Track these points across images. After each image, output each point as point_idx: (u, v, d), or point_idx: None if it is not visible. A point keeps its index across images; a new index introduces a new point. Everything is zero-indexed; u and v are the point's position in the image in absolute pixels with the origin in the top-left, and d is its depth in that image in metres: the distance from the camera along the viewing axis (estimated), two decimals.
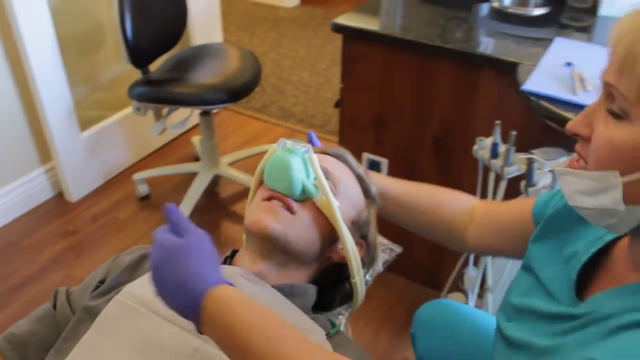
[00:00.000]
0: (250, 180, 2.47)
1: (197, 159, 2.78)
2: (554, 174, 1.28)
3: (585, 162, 0.69)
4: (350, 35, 1.83)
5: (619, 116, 0.63)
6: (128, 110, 2.67)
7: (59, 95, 2.33)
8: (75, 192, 2.51)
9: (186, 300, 0.68)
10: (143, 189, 2.55)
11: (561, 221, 0.87)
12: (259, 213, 0.89)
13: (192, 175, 2.54)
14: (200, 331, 0.70)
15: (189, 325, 0.81)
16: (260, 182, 0.96)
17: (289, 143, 0.93)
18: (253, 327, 0.66)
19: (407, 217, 1.10)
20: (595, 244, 0.79)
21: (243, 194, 2.61)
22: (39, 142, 2.41)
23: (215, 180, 2.63)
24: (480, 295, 1.76)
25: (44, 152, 2.45)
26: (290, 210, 0.89)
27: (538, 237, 0.90)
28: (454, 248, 1.12)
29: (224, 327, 0.67)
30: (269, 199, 0.90)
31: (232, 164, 2.64)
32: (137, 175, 2.54)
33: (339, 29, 1.83)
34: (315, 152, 0.94)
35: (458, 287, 1.87)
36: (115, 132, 2.64)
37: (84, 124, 2.50)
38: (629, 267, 0.73)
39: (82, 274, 2.12)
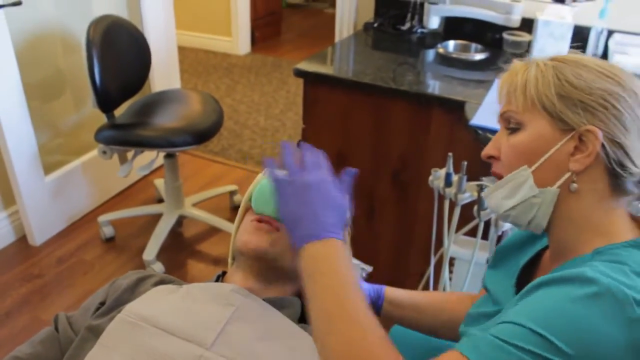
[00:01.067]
0: (213, 220, 2.57)
1: (159, 201, 2.84)
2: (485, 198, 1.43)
3: (502, 177, 0.88)
4: (311, 79, 1.98)
5: (516, 129, 0.85)
6: (91, 154, 2.72)
7: (23, 140, 2.37)
8: (39, 236, 2.52)
9: (315, 228, 0.83)
10: (108, 231, 2.58)
11: (509, 249, 1.06)
12: (249, 235, 0.99)
13: (156, 217, 2.60)
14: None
15: (191, 336, 0.90)
16: (248, 208, 1.07)
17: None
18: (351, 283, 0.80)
19: (423, 317, 1.20)
20: (531, 254, 0.98)
21: (207, 233, 2.67)
22: (1, 187, 2.43)
23: (180, 221, 2.70)
24: None
25: (7, 196, 2.46)
26: (277, 231, 1.00)
27: (493, 265, 1.08)
28: None
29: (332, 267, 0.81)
30: (258, 222, 1.01)
31: (196, 204, 2.71)
32: (102, 218, 2.58)
33: (300, 74, 1.97)
34: None
35: None
36: (78, 175, 2.68)
37: (48, 168, 2.54)
38: (550, 261, 0.91)
39: (51, 316, 2.12)
